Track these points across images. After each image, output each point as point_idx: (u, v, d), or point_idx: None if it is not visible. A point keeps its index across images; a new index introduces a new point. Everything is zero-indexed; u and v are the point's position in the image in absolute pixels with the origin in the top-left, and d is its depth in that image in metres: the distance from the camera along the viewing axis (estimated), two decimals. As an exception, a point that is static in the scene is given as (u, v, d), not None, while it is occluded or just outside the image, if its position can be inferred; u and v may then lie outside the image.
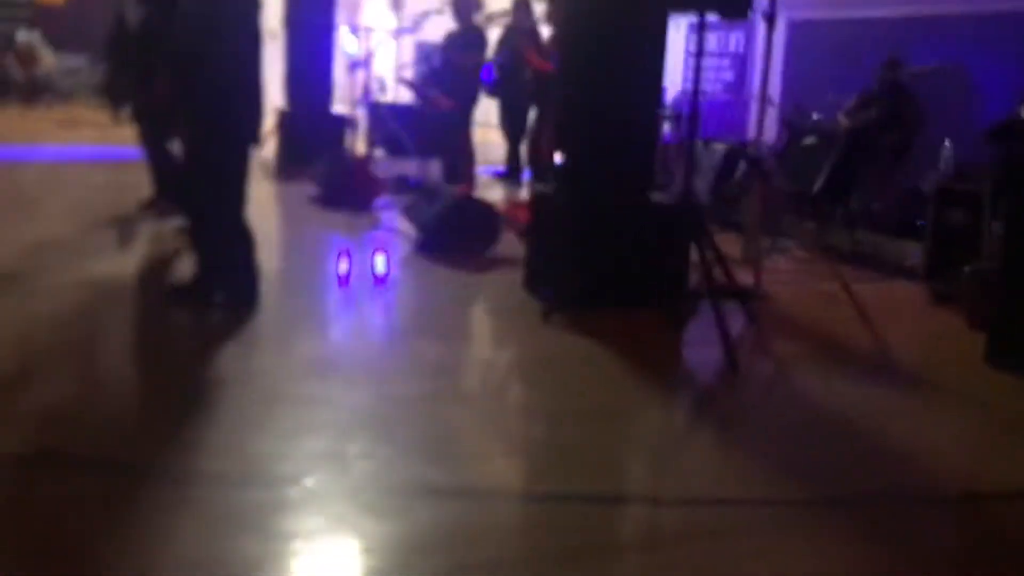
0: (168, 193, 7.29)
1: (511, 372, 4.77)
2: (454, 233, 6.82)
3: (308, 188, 8.89)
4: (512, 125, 10.33)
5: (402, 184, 9.16)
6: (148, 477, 3.16)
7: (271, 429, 3.62)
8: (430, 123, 12.21)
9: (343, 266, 6.34)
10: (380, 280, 6.15)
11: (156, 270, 6.10)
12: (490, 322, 5.81)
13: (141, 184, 7.44)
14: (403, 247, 7.07)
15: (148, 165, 7.33)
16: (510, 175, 10.48)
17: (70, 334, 4.69)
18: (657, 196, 5.72)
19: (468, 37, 9.21)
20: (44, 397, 3.83)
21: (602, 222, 5.45)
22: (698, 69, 4.99)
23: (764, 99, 6.57)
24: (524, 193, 9.42)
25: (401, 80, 9.25)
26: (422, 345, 4.92)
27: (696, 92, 5.05)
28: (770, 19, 5.67)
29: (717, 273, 5.15)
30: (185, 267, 5.51)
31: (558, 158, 5.74)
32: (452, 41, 9.26)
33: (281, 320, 5.19)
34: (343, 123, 10.61)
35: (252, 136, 5.12)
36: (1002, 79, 9.26)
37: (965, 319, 5.63)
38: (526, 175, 10.31)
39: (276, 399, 3.92)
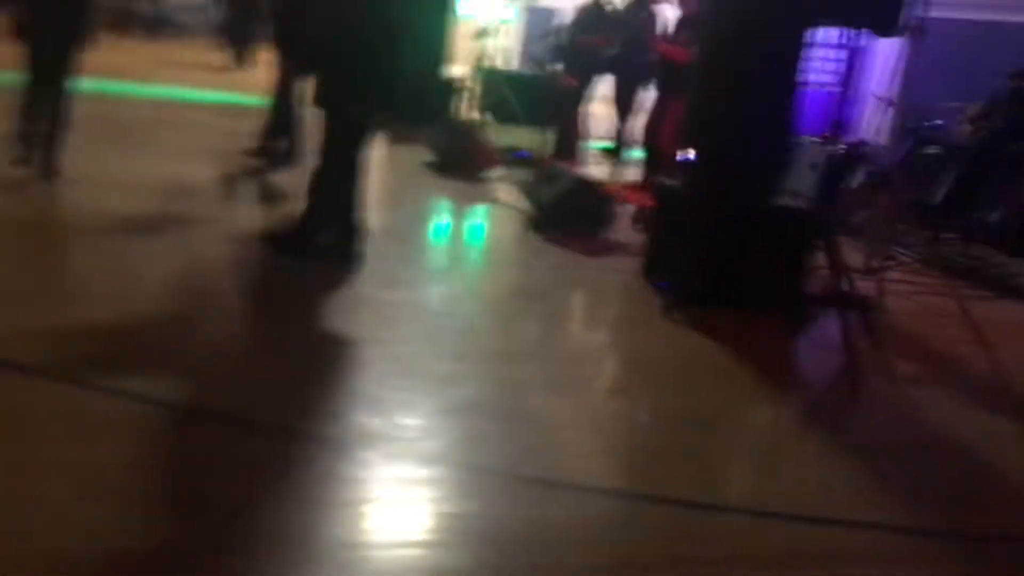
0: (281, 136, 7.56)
1: (628, 365, 4.87)
2: (571, 215, 6.92)
3: (421, 152, 9.02)
4: (623, 103, 10.36)
5: (514, 155, 9.28)
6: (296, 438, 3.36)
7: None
8: (542, 94, 12.32)
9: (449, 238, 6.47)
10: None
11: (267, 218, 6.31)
12: (610, 310, 5.91)
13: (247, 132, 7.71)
14: (517, 224, 7.19)
15: (270, 110, 7.57)
16: (615, 151, 10.53)
17: (197, 284, 4.93)
18: (785, 200, 5.74)
19: (599, 17, 9.25)
20: (177, 347, 4.05)
21: (730, 223, 5.50)
22: (846, 87, 5.00)
23: (888, 100, 6.51)
24: (630, 172, 9.48)
25: (530, 56, 9.32)
26: (543, 328, 5.06)
27: (843, 99, 5.07)
28: (919, 30, 5.62)
29: (841, 282, 5.18)
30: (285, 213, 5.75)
31: (688, 152, 5.78)
32: (582, 20, 9.31)
33: (405, 282, 5.36)
34: (452, 87, 10.76)
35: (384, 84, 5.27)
36: None
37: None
38: (628, 153, 10.36)
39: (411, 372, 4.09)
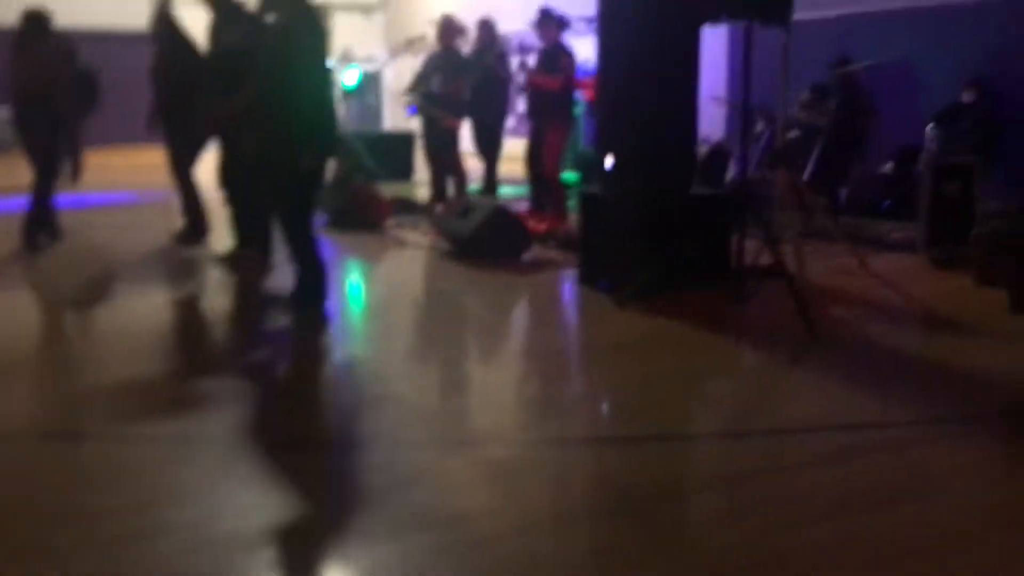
0: (200, 226, 7.72)
1: (613, 349, 5.33)
2: (493, 242, 7.35)
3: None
4: (488, 145, 10.85)
5: (403, 205, 9.67)
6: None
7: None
8: (400, 146, 12.79)
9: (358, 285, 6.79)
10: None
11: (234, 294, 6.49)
12: (567, 312, 6.37)
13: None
14: (439, 259, 7.57)
15: (184, 196, 7.70)
16: (487, 191, 11.01)
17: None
18: (700, 188, 6.37)
19: (446, 63, 9.73)
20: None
21: (657, 215, 6.07)
22: (747, 77, 5.69)
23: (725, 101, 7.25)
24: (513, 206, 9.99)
25: (410, 105, 9.71)
26: (524, 335, 5.48)
27: (747, 93, 5.75)
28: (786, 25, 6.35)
29: (770, 252, 5.81)
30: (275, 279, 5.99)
31: (608, 160, 6.32)
32: (432, 67, 9.75)
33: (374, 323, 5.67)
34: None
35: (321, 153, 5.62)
36: (938, 70, 10.27)
37: (975, 277, 6.43)
38: (502, 192, 10.89)
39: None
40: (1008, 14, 9.85)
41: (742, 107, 5.87)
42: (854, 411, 4.13)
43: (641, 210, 6.09)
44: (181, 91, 7.33)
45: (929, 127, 8.21)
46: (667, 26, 6.04)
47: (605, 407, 4.34)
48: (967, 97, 9.41)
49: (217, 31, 6.93)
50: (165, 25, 7.58)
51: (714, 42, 10.83)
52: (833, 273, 6.83)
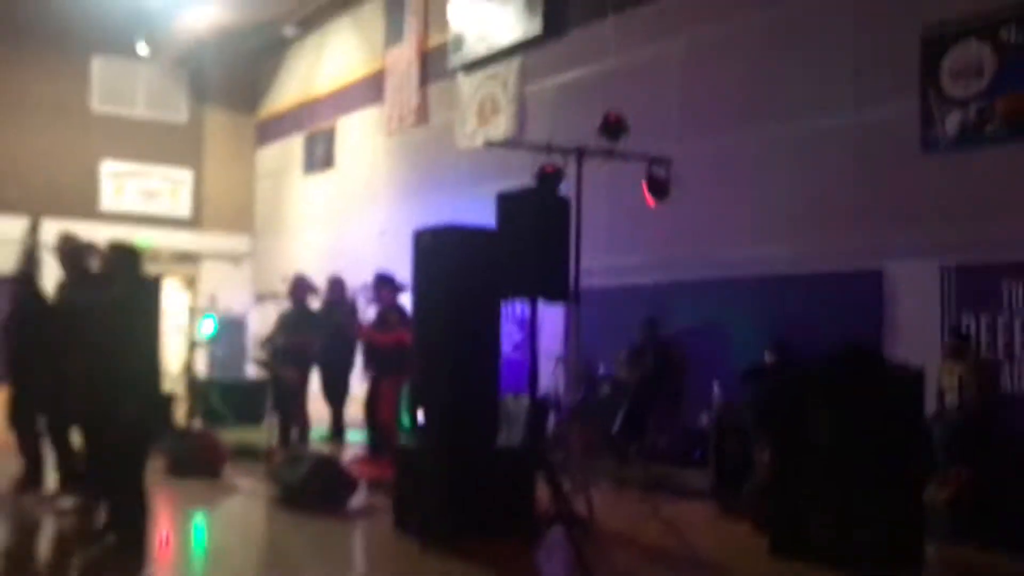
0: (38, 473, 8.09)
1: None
2: (318, 490, 7.89)
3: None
4: (335, 392, 11.54)
5: (243, 451, 10.16)
6: None
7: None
8: (252, 393, 13.37)
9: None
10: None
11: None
12: (377, 556, 6.88)
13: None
14: (263, 505, 8.06)
15: (22, 445, 8.08)
16: (335, 436, 11.60)
17: None
18: (503, 441, 7.12)
19: (300, 318, 10.54)
20: None
21: (462, 467, 6.76)
22: (533, 344, 6.58)
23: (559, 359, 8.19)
24: (354, 451, 10.59)
25: (256, 360, 10.40)
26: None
27: (534, 358, 6.62)
28: (576, 298, 7.37)
29: (561, 503, 6.53)
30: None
31: (419, 416, 7.04)
32: (287, 322, 10.54)
33: None
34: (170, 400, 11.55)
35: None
36: (745, 333, 11.51)
37: (751, 525, 7.23)
38: (348, 436, 11.48)
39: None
40: (803, 286, 11.22)
41: (530, 369, 6.72)
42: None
43: (445, 462, 6.78)
44: (32, 337, 7.88)
45: (715, 385, 9.22)
46: (471, 301, 6.95)
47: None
48: (769, 357, 10.56)
49: (65, 287, 7.63)
50: (28, 267, 8.27)
51: (553, 311, 11.97)
52: (627, 519, 7.55)
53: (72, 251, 7.63)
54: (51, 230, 9.71)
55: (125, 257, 6.35)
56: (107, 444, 6.15)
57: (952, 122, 9.45)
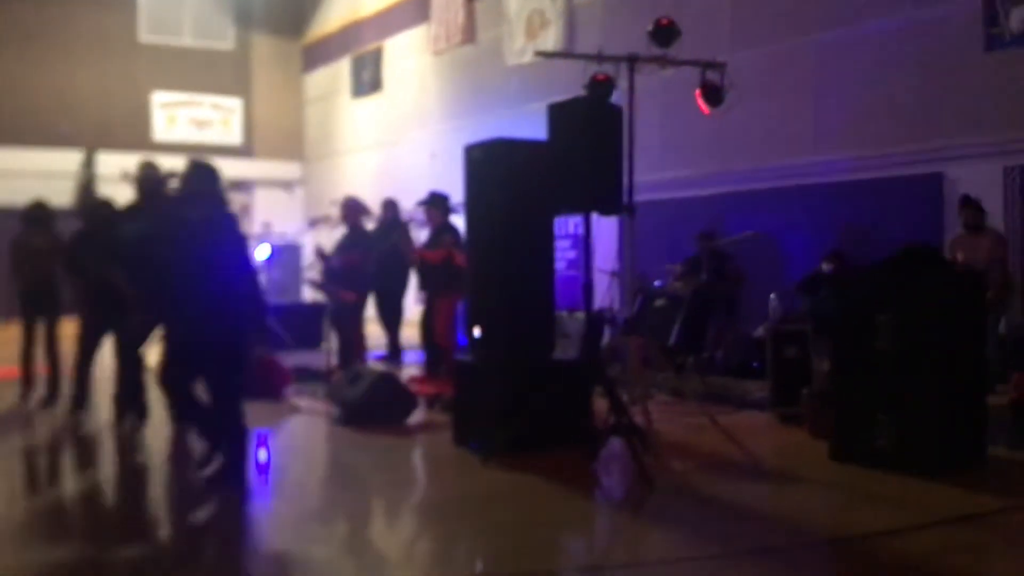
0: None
1: (475, 499, 5.97)
2: (378, 407, 8.02)
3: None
4: (391, 314, 11.65)
5: (304, 373, 10.33)
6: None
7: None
8: (308, 317, 13.54)
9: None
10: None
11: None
12: (439, 469, 7.01)
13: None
14: (326, 424, 8.22)
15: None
16: (391, 357, 11.75)
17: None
18: (559, 356, 7.16)
19: (355, 238, 10.61)
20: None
21: (519, 381, 6.82)
22: (588, 257, 6.58)
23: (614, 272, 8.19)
24: (413, 370, 10.73)
25: (309, 280, 10.52)
26: (400, 491, 6.11)
27: (588, 271, 6.63)
28: (630, 210, 7.33)
29: (619, 414, 6.56)
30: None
31: (476, 331, 7.10)
32: (343, 243, 10.61)
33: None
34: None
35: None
36: (801, 242, 11.41)
37: (809, 432, 7.24)
38: (406, 357, 11.63)
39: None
40: (861, 193, 11.06)
41: (585, 283, 6.72)
42: (676, 547, 4.92)
43: (503, 376, 6.84)
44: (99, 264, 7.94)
45: (772, 296, 9.17)
46: (523, 216, 6.94)
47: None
48: (826, 267, 10.45)
49: (134, 212, 7.65)
50: (88, 199, 8.37)
51: (607, 225, 11.95)
52: (685, 430, 7.60)
53: (153, 179, 7.62)
54: (106, 163, 9.87)
55: (207, 176, 6.30)
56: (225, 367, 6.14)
57: (1017, 18, 9.15)
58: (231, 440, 6.15)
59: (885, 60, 10.71)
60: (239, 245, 6.27)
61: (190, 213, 6.16)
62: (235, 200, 20.45)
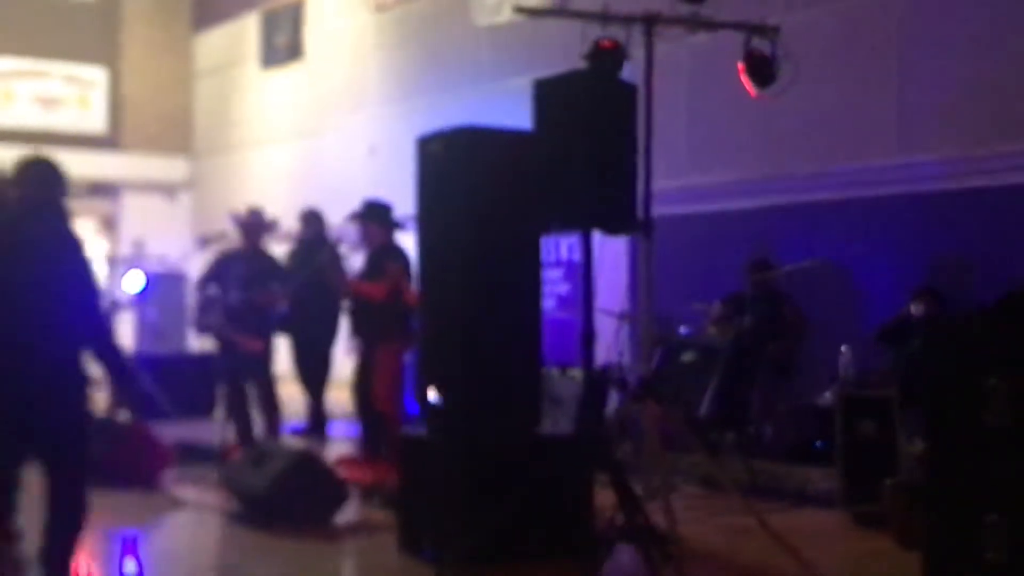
0: None
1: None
2: (293, 498, 7.96)
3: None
4: (313, 369, 11.60)
5: (189, 451, 10.27)
6: None
7: None
8: (190, 375, 13.48)
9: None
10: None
11: None
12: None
13: None
14: (219, 523, 8.16)
15: None
16: (312, 430, 11.70)
17: None
18: (548, 429, 7.16)
19: (261, 264, 10.56)
20: None
21: (491, 464, 6.80)
22: (588, 295, 6.59)
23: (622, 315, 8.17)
24: (341, 447, 10.69)
25: (201, 327, 10.49)
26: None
27: (588, 312, 6.63)
28: (646, 228, 7.33)
29: (630, 512, 6.55)
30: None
31: (431, 394, 7.08)
32: (241, 269, 10.51)
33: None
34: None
35: None
36: (882, 275, 11.42)
37: (894, 538, 7.24)
38: (332, 429, 11.60)
39: None
40: (962, 208, 11.09)
41: (584, 331, 6.72)
42: None
43: (468, 457, 6.82)
44: None
45: (844, 348, 9.20)
46: (497, 235, 6.93)
47: None
48: (916, 309, 10.47)
49: None
50: None
51: (614, 249, 11.97)
52: (721, 534, 7.59)
53: None
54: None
55: (53, 178, 6.15)
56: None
57: None
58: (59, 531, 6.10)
59: (992, 29, 10.80)
60: (81, 274, 6.19)
61: (29, 231, 6.08)
62: (93, 209, 20.49)
